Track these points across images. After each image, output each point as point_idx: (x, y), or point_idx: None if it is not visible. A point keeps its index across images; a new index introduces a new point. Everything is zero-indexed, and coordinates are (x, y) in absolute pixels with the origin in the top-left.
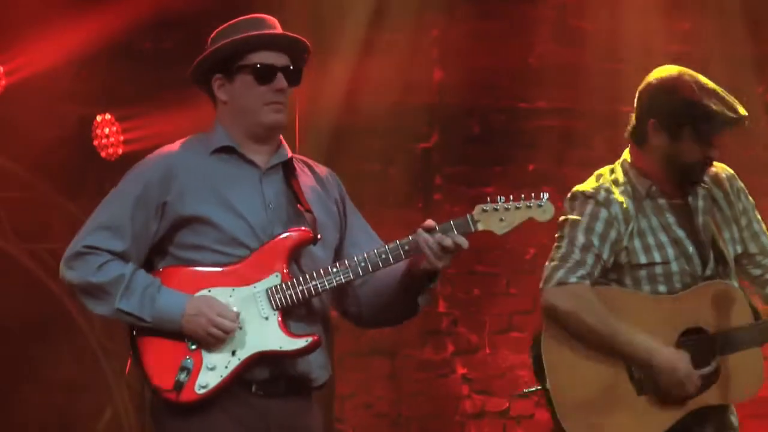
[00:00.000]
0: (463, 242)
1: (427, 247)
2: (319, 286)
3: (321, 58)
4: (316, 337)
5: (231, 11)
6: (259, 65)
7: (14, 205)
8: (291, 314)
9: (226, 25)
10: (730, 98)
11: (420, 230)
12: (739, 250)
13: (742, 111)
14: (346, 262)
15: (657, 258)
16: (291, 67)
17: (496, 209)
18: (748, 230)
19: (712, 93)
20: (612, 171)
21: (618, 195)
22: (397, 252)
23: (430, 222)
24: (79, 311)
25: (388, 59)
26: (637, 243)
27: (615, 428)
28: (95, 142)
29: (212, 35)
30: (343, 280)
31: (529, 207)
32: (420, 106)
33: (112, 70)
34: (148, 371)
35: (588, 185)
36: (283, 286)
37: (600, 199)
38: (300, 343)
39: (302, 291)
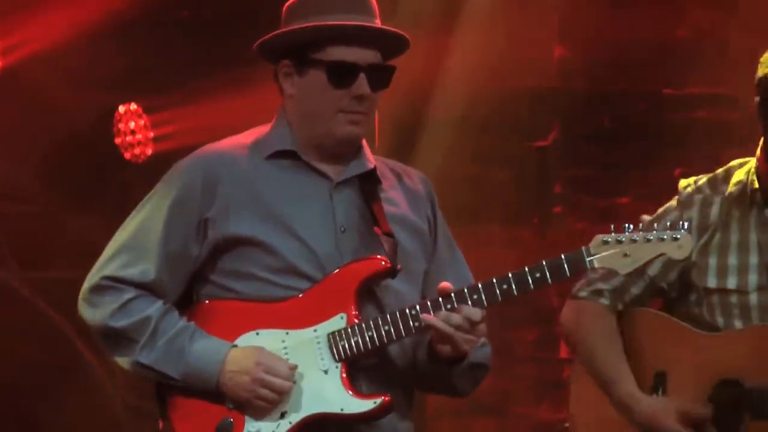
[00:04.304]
0: (475, 314)
1: (446, 328)
2: (393, 332)
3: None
4: (387, 398)
5: None
6: (336, 63)
7: (14, 224)
8: (359, 366)
9: None
10: None
11: (427, 311)
12: None
13: None
14: (428, 302)
15: (731, 284)
16: (380, 66)
17: (619, 241)
18: None
19: None
20: (742, 164)
21: (711, 194)
22: (493, 295)
23: (446, 284)
24: (97, 359)
25: (491, 34)
26: (712, 260)
27: None
28: (117, 140)
29: (290, 1)
30: (424, 326)
31: (662, 240)
32: (534, 92)
33: (140, 47)
34: None
35: (702, 178)
36: (349, 331)
37: (681, 198)
38: (367, 404)
39: (371, 338)
